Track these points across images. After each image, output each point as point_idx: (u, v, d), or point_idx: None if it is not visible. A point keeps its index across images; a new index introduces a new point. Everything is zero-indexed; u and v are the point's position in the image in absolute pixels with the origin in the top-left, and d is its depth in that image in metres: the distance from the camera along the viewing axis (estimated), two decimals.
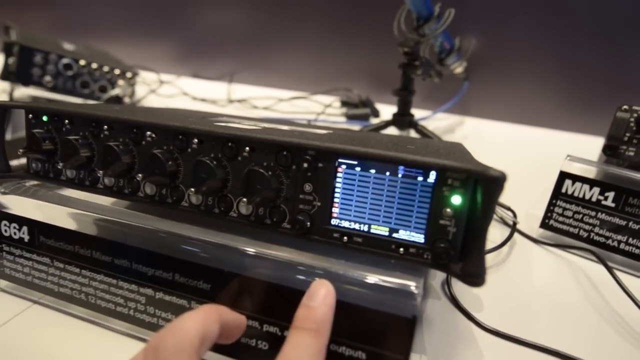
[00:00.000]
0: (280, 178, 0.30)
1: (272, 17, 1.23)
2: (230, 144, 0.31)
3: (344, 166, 0.29)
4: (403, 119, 0.80)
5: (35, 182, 0.39)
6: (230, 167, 0.31)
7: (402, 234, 0.28)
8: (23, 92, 0.93)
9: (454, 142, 0.51)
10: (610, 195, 0.48)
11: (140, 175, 0.34)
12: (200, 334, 0.23)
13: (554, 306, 0.42)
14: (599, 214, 0.49)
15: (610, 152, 0.54)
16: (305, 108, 1.07)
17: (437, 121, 1.03)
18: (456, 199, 0.27)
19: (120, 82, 0.95)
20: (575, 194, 0.50)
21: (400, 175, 0.28)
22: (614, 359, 0.36)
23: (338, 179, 0.29)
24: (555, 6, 0.96)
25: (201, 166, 0.31)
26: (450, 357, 0.34)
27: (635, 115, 0.53)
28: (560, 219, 0.51)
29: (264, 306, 0.30)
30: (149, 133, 0.34)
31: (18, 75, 0.86)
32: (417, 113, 0.83)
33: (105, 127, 0.35)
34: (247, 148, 0.31)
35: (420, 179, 0.27)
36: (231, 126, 0.34)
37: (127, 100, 0.98)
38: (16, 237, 0.37)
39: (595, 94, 0.99)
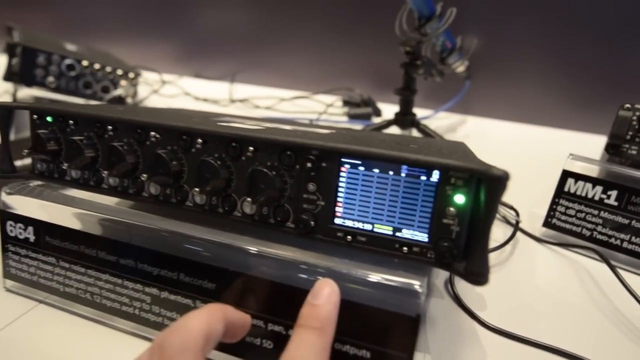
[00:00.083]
0: (284, 178, 0.30)
1: (273, 17, 1.23)
2: (234, 144, 0.31)
3: (347, 166, 0.29)
4: (405, 118, 0.80)
5: (40, 183, 0.39)
6: (234, 167, 0.32)
7: (406, 233, 0.28)
8: (26, 92, 0.94)
9: (456, 141, 0.51)
10: (613, 194, 0.48)
11: (144, 175, 0.34)
12: (205, 333, 0.24)
13: (557, 305, 0.42)
14: (602, 212, 0.49)
15: (612, 150, 0.54)
16: (307, 108, 1.07)
17: (439, 120, 1.04)
18: (459, 198, 0.27)
19: (123, 82, 0.96)
20: (578, 193, 0.50)
21: (403, 175, 0.28)
22: (618, 357, 0.36)
23: (342, 179, 0.29)
24: (556, 5, 0.96)
25: (205, 166, 0.32)
26: (453, 356, 0.35)
27: (637, 113, 0.52)
28: (563, 217, 0.51)
29: (268, 305, 0.30)
30: (153, 133, 0.34)
31: (21, 76, 0.86)
32: (419, 112, 0.83)
33: (110, 127, 0.35)
34: (251, 148, 0.31)
35: (423, 178, 0.27)
36: (235, 126, 0.34)
37: (129, 100, 0.98)
38: (22, 237, 0.37)
39: (597, 93, 0.99)
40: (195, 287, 0.32)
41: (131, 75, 0.97)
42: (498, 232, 0.53)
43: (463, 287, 0.42)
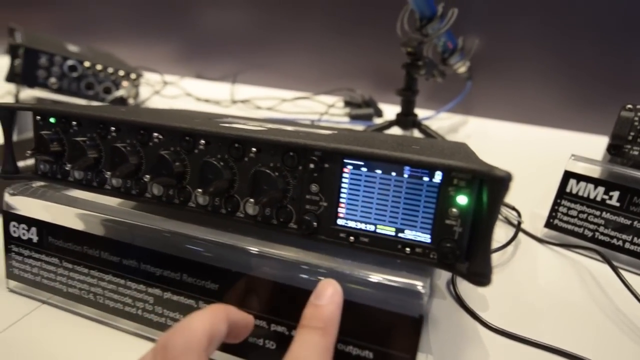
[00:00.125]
0: (286, 179, 0.30)
1: (274, 18, 1.23)
2: (236, 145, 0.31)
3: (350, 167, 0.29)
4: (407, 119, 0.80)
5: (42, 183, 0.39)
6: (236, 168, 0.32)
7: (408, 234, 0.28)
8: (28, 93, 0.94)
9: (458, 142, 0.51)
10: (615, 194, 0.48)
11: (147, 176, 0.34)
12: (208, 333, 0.24)
13: (559, 306, 0.42)
14: (604, 213, 0.49)
15: (614, 151, 0.54)
16: (308, 108, 1.07)
17: (440, 121, 1.04)
18: (462, 199, 0.27)
19: (125, 83, 0.96)
20: (580, 194, 0.50)
21: (406, 176, 0.28)
22: (620, 357, 0.36)
23: (344, 180, 0.29)
24: (558, 5, 0.96)
25: (208, 167, 0.32)
26: (456, 357, 0.35)
27: (639, 114, 0.53)
28: (565, 218, 0.51)
29: (271, 306, 0.30)
30: (156, 134, 0.34)
31: (23, 77, 0.86)
32: (420, 113, 0.83)
33: (113, 128, 0.35)
34: (254, 149, 0.31)
35: (426, 179, 0.27)
36: (237, 127, 0.34)
37: (131, 101, 0.98)
38: (25, 237, 0.37)
39: (598, 93, 0.99)
40: (198, 287, 0.32)
41: (133, 76, 0.97)
42: (500, 232, 0.53)
43: (465, 287, 0.42)
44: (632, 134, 0.53)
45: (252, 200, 0.31)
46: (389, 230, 0.29)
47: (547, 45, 0.99)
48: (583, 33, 0.96)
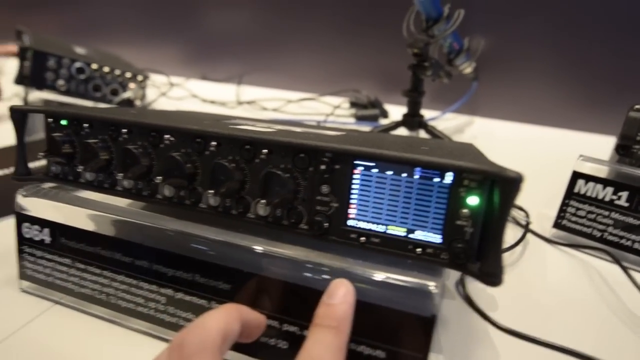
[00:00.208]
0: (297, 180, 0.31)
1: (280, 19, 1.23)
2: (247, 146, 0.31)
3: (360, 168, 0.29)
4: (413, 120, 0.81)
5: (53, 185, 0.40)
6: (247, 169, 0.32)
7: (419, 235, 0.28)
8: (36, 95, 0.95)
9: (465, 142, 0.51)
10: (624, 194, 0.48)
11: (159, 177, 0.34)
12: (222, 333, 0.24)
13: (569, 305, 0.42)
14: (612, 213, 0.49)
15: (623, 151, 0.54)
16: (314, 109, 1.08)
17: (446, 121, 1.04)
18: (473, 200, 0.27)
19: (132, 85, 0.96)
20: (588, 194, 0.50)
21: (417, 177, 0.28)
22: (630, 357, 0.36)
23: (355, 181, 0.29)
24: (564, 5, 0.95)
25: (219, 168, 0.32)
26: (466, 357, 0.35)
27: None
28: (574, 218, 0.51)
29: (283, 306, 0.30)
30: (167, 136, 0.34)
31: (32, 79, 0.87)
32: (426, 113, 0.83)
33: (124, 130, 0.36)
34: (265, 150, 0.31)
35: (437, 180, 0.28)
36: (248, 129, 0.35)
37: (138, 103, 0.99)
38: (37, 238, 0.38)
39: (605, 93, 0.98)
40: (210, 288, 0.32)
41: (140, 77, 0.98)
42: (508, 233, 0.53)
43: (474, 288, 0.42)
44: None
45: (263, 201, 0.31)
46: (400, 231, 0.29)
47: (553, 45, 0.99)
48: (590, 33, 0.96)
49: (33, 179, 0.40)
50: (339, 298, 0.26)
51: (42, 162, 0.39)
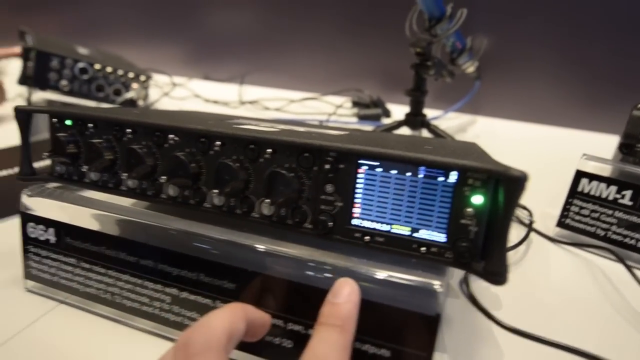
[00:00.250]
0: (301, 179, 0.31)
1: (281, 19, 1.23)
2: (252, 146, 0.32)
3: (365, 167, 0.29)
4: (415, 119, 0.80)
5: (57, 185, 0.40)
6: (252, 169, 0.32)
7: (424, 234, 0.29)
8: (40, 96, 0.95)
9: (468, 141, 0.51)
10: (628, 193, 0.48)
11: (163, 177, 0.34)
12: (227, 332, 0.24)
13: (573, 304, 0.42)
14: (616, 212, 0.49)
15: (626, 150, 0.53)
16: (316, 109, 1.08)
17: (449, 121, 1.03)
18: (477, 199, 0.27)
19: (134, 85, 0.97)
20: (592, 193, 0.50)
21: (421, 176, 0.28)
22: (634, 356, 0.36)
23: (359, 180, 0.29)
24: (566, 4, 0.95)
25: (223, 168, 0.32)
26: (470, 356, 0.35)
27: None
28: (577, 217, 0.51)
29: (287, 305, 0.30)
30: (171, 136, 0.34)
31: (35, 79, 0.87)
32: (428, 113, 0.83)
33: (129, 130, 0.36)
34: (269, 150, 0.31)
35: (441, 179, 0.28)
36: (252, 128, 0.35)
37: (140, 103, 0.99)
38: (42, 238, 0.38)
39: (607, 92, 0.98)
40: (215, 287, 0.32)
41: (142, 78, 0.98)
42: (511, 232, 0.53)
43: (477, 287, 0.42)
44: None
45: (267, 200, 0.31)
46: (404, 230, 0.29)
47: (556, 44, 0.99)
48: (592, 31, 0.95)
49: (38, 179, 0.40)
50: (344, 297, 0.26)
51: (47, 162, 0.40)
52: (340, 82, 1.14)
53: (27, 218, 0.38)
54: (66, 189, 0.39)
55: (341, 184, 0.30)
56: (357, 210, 0.30)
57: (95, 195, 0.38)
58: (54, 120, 0.39)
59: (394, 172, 0.28)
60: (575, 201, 0.51)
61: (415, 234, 0.29)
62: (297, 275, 0.30)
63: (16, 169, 0.57)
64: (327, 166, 0.29)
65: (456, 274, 0.44)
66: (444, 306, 0.27)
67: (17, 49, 0.89)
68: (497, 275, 0.26)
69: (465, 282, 0.42)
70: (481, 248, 0.28)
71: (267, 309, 0.30)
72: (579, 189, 0.50)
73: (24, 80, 0.88)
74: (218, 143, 0.33)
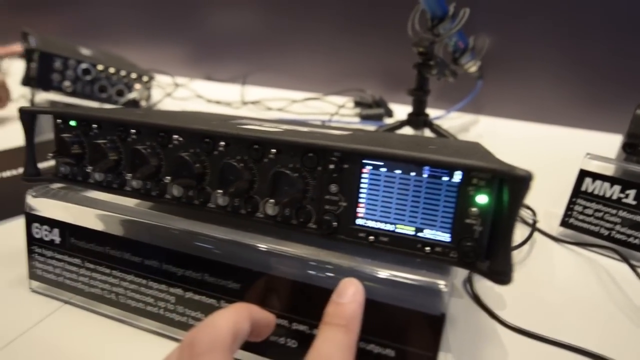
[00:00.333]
0: (306, 179, 0.31)
1: (284, 19, 1.23)
2: (256, 146, 0.32)
3: (369, 167, 0.29)
4: (418, 119, 0.80)
5: (62, 185, 0.40)
6: (256, 169, 0.32)
7: (428, 233, 0.29)
8: (42, 97, 0.95)
9: (471, 141, 0.51)
10: (631, 192, 0.47)
11: (168, 177, 0.34)
12: (232, 331, 0.24)
13: (577, 304, 0.42)
14: (620, 211, 0.48)
15: (630, 149, 0.53)
16: (318, 109, 1.08)
17: (451, 120, 1.03)
18: (482, 199, 0.27)
19: (137, 85, 0.97)
20: (596, 192, 0.50)
21: (425, 176, 0.28)
22: (638, 355, 0.36)
23: (363, 180, 0.29)
24: (569, 4, 0.95)
25: (228, 168, 0.32)
26: (474, 355, 0.35)
27: None
28: (581, 217, 0.51)
29: (292, 305, 0.30)
30: (175, 136, 0.34)
31: (38, 80, 0.88)
32: (431, 112, 0.83)
33: (133, 131, 0.36)
34: (273, 150, 0.31)
35: (445, 179, 0.28)
36: (256, 129, 0.35)
37: (143, 103, 0.99)
38: (47, 239, 0.38)
39: (610, 91, 0.98)
40: (220, 287, 0.32)
41: (145, 78, 0.98)
42: (515, 232, 0.53)
43: (481, 286, 0.42)
44: None
45: (272, 200, 0.31)
46: (409, 230, 0.29)
47: (558, 44, 0.99)
48: (594, 31, 0.95)
49: (42, 180, 0.40)
50: (349, 297, 0.26)
51: (51, 163, 0.40)
52: (343, 82, 1.14)
53: (32, 218, 0.38)
54: (70, 189, 0.39)
55: (345, 183, 0.30)
56: (361, 210, 0.30)
57: (99, 195, 0.38)
58: (59, 121, 0.39)
59: (398, 171, 0.28)
60: (579, 200, 0.51)
61: (419, 234, 0.29)
62: (301, 275, 0.30)
63: (21, 170, 0.57)
64: (332, 166, 0.29)
65: (460, 274, 0.44)
66: (448, 306, 0.27)
67: (18, 48, 0.89)
68: (502, 274, 0.26)
69: (469, 281, 0.42)
70: (486, 248, 0.28)
71: (272, 309, 0.30)
72: (583, 188, 0.50)
73: (27, 81, 0.88)
74: (222, 143, 0.33)
